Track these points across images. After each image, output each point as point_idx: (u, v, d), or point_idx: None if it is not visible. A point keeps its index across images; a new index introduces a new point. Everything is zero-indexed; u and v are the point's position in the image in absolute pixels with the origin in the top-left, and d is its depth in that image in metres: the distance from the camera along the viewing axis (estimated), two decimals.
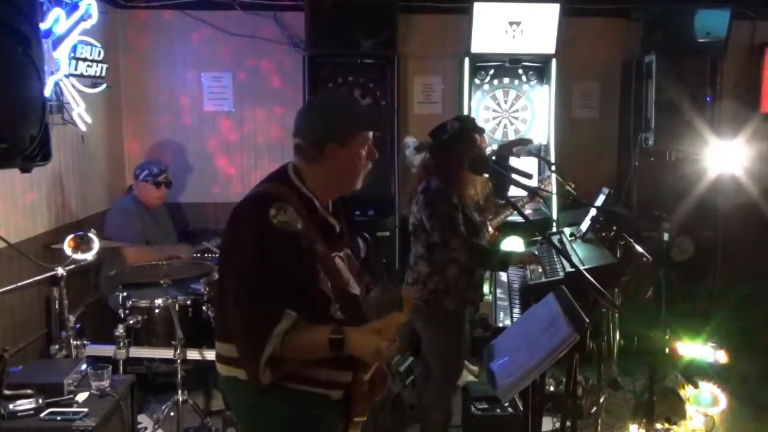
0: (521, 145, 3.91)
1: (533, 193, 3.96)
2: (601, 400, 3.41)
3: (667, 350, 3.82)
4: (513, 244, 4.38)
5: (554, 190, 4.50)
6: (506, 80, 5.13)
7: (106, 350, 3.44)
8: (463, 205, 3.08)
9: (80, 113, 3.92)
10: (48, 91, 3.44)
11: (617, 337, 3.68)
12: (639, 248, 3.27)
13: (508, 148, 3.75)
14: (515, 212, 3.14)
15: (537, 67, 5.10)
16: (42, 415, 2.55)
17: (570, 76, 5.15)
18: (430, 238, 3.08)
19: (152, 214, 4.24)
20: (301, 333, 1.76)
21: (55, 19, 3.59)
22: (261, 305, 1.76)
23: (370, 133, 1.95)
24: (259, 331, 1.74)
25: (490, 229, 3.57)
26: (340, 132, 1.89)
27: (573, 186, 4.28)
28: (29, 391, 2.60)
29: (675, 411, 3.58)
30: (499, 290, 3.51)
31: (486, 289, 3.65)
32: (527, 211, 4.58)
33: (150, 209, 4.22)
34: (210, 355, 3.47)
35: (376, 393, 1.95)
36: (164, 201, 4.38)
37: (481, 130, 3.18)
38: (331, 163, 1.90)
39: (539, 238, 3.58)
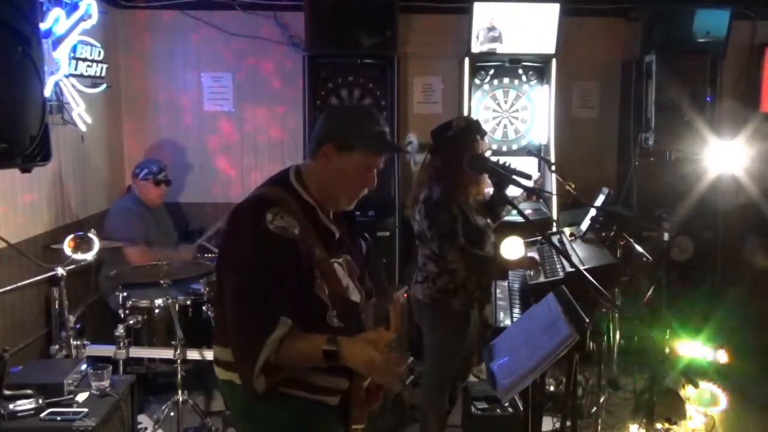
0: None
1: (532, 192, 3.96)
2: (601, 400, 3.42)
3: (667, 350, 3.82)
4: (513, 244, 4.37)
5: (554, 190, 4.51)
6: (506, 80, 5.13)
7: (106, 350, 3.45)
8: (466, 213, 3.06)
9: (80, 113, 3.92)
10: (48, 91, 3.44)
11: (617, 337, 3.68)
12: (639, 248, 3.27)
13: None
14: (516, 212, 3.14)
15: (537, 67, 5.10)
16: (42, 415, 2.55)
17: (570, 76, 5.15)
18: (434, 249, 3.08)
19: (153, 213, 4.24)
20: (296, 341, 1.74)
21: (55, 19, 3.59)
22: (256, 311, 1.73)
23: (377, 160, 1.90)
24: (253, 337, 1.72)
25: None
26: (341, 137, 1.86)
27: (573, 186, 4.29)
28: (29, 391, 2.60)
29: (675, 411, 3.59)
30: (498, 290, 3.51)
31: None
32: (527, 211, 4.57)
33: (150, 209, 4.22)
34: (210, 355, 3.47)
35: (371, 400, 1.94)
36: (164, 200, 4.38)
37: (484, 133, 3.18)
38: (324, 163, 1.87)
39: (539, 238, 3.58)
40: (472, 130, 3.11)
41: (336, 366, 1.76)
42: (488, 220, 3.24)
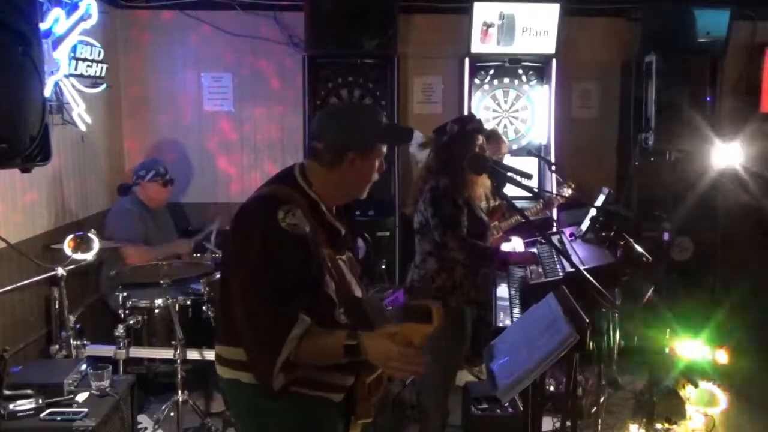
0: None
1: (549, 201, 4.01)
2: (601, 400, 3.42)
3: (667, 350, 3.83)
4: (513, 243, 4.37)
5: (554, 190, 4.51)
6: (506, 80, 5.13)
7: (106, 350, 3.44)
8: (471, 204, 3.08)
9: (80, 113, 3.92)
10: (48, 91, 3.44)
11: (617, 337, 3.68)
12: (639, 248, 3.27)
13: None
14: (515, 211, 3.15)
15: (537, 67, 5.10)
16: (42, 415, 2.54)
17: (570, 76, 5.15)
18: (435, 238, 3.09)
19: (153, 214, 4.23)
20: (315, 338, 1.74)
21: (55, 19, 3.59)
22: (274, 310, 1.73)
23: (384, 147, 1.94)
24: (273, 336, 1.72)
25: (500, 230, 3.58)
26: (363, 142, 1.87)
27: (573, 186, 4.29)
28: (29, 391, 2.60)
29: (675, 411, 3.59)
30: (498, 290, 3.51)
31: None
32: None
33: (151, 210, 4.22)
34: (210, 355, 3.47)
35: (372, 394, 1.95)
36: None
37: (486, 132, 3.18)
38: (348, 171, 1.88)
39: (539, 238, 3.58)
40: (474, 129, 3.11)
41: (344, 363, 1.77)
42: (486, 218, 3.26)
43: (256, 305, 1.75)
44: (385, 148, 1.94)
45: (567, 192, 4.24)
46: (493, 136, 4.22)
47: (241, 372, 1.84)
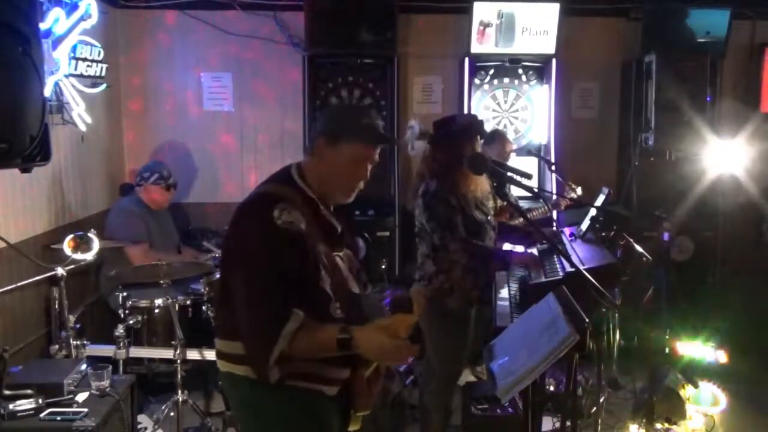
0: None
1: (555, 204, 4.02)
2: (601, 400, 3.41)
3: (667, 350, 3.82)
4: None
5: (554, 190, 4.51)
6: (506, 80, 5.13)
7: (106, 350, 3.44)
8: (464, 204, 3.08)
9: (80, 113, 3.92)
10: (48, 91, 3.44)
11: (617, 337, 3.68)
12: (639, 248, 3.27)
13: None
14: (517, 212, 3.15)
15: (537, 67, 5.10)
16: (42, 415, 2.55)
17: (570, 76, 5.15)
18: (433, 240, 3.09)
19: (154, 215, 4.23)
20: (308, 333, 1.78)
21: (55, 19, 3.59)
22: (269, 305, 1.78)
23: (370, 153, 1.94)
24: (267, 331, 1.76)
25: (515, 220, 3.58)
26: (331, 132, 1.92)
27: (573, 186, 4.29)
28: (29, 391, 2.60)
29: (675, 411, 3.59)
30: (498, 290, 3.51)
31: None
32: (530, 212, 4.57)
33: (152, 210, 4.21)
34: (210, 355, 3.47)
35: (371, 387, 1.97)
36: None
37: (485, 134, 3.17)
38: (318, 158, 1.94)
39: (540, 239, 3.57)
40: (474, 129, 3.11)
41: (338, 356, 1.81)
42: (489, 217, 3.25)
43: (253, 301, 1.80)
44: (375, 154, 1.95)
45: (573, 194, 4.24)
46: (498, 136, 4.23)
47: (237, 365, 1.89)
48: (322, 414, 1.94)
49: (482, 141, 3.37)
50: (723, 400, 3.84)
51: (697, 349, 3.92)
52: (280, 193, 1.86)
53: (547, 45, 4.85)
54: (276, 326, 1.76)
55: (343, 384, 1.94)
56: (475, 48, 4.81)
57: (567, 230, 3.69)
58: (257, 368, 1.83)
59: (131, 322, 3.53)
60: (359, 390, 1.94)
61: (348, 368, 1.92)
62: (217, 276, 3.60)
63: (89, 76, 4.05)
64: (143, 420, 3.50)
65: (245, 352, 1.85)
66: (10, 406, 2.52)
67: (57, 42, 3.65)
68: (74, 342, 3.25)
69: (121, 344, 3.43)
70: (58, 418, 2.54)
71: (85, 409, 2.60)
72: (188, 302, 3.70)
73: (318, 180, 1.95)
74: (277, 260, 1.78)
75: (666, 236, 3.95)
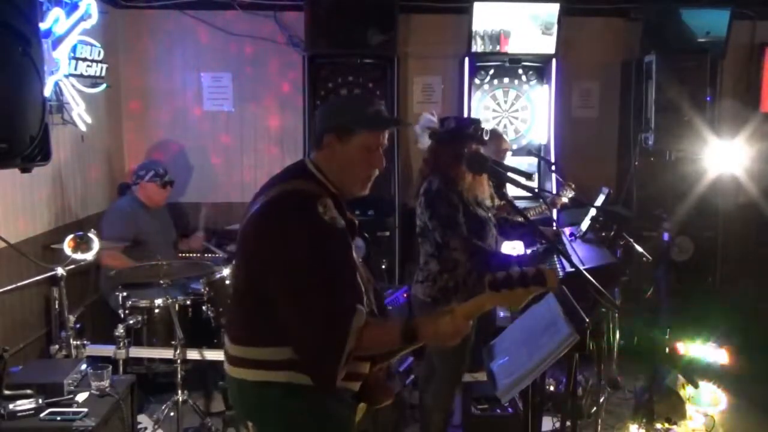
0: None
1: (551, 202, 4.02)
2: (601, 400, 3.41)
3: (667, 350, 3.82)
4: (513, 244, 4.37)
5: (554, 190, 4.50)
6: (506, 80, 5.13)
7: (106, 350, 3.44)
8: (465, 202, 3.08)
9: (80, 113, 3.92)
10: (48, 91, 3.44)
11: (617, 337, 3.68)
12: (639, 248, 3.27)
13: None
14: (515, 212, 3.15)
15: (537, 67, 5.10)
16: (42, 415, 2.54)
17: (570, 76, 5.15)
18: (435, 238, 3.09)
19: (152, 214, 4.23)
20: (371, 328, 1.76)
21: (55, 19, 3.59)
22: (332, 304, 1.72)
23: (379, 139, 1.93)
24: (335, 331, 1.70)
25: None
26: (338, 125, 1.90)
27: (573, 186, 4.29)
28: (29, 391, 2.60)
29: (675, 411, 3.59)
30: None
31: None
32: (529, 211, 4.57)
33: (150, 209, 4.21)
34: (210, 355, 3.48)
35: (384, 378, 1.98)
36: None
37: (483, 141, 3.15)
38: (330, 153, 1.91)
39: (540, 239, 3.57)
40: (473, 133, 3.10)
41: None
42: (490, 215, 3.25)
43: (311, 303, 1.72)
44: (380, 139, 1.93)
45: (569, 194, 4.24)
46: (494, 135, 4.22)
47: (274, 372, 1.81)
48: (348, 411, 1.91)
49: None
50: (723, 400, 3.84)
51: (697, 349, 3.92)
52: (315, 190, 1.83)
53: (547, 45, 4.85)
54: (343, 325, 1.70)
55: (364, 378, 1.91)
56: (475, 48, 4.81)
57: (567, 230, 3.69)
58: (323, 372, 1.74)
59: (131, 322, 3.52)
60: (375, 383, 1.93)
61: (368, 363, 1.89)
62: (217, 276, 3.60)
63: (89, 76, 4.05)
64: (143, 420, 3.50)
65: (304, 357, 1.76)
66: (10, 406, 2.52)
67: (57, 42, 3.65)
68: (74, 342, 3.25)
69: (121, 344, 3.43)
70: (58, 418, 2.54)
71: (85, 409, 2.59)
72: (188, 302, 3.70)
73: (334, 174, 1.92)
74: (331, 257, 1.74)
75: (666, 236, 3.96)
